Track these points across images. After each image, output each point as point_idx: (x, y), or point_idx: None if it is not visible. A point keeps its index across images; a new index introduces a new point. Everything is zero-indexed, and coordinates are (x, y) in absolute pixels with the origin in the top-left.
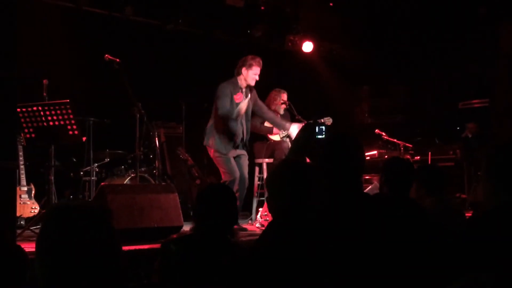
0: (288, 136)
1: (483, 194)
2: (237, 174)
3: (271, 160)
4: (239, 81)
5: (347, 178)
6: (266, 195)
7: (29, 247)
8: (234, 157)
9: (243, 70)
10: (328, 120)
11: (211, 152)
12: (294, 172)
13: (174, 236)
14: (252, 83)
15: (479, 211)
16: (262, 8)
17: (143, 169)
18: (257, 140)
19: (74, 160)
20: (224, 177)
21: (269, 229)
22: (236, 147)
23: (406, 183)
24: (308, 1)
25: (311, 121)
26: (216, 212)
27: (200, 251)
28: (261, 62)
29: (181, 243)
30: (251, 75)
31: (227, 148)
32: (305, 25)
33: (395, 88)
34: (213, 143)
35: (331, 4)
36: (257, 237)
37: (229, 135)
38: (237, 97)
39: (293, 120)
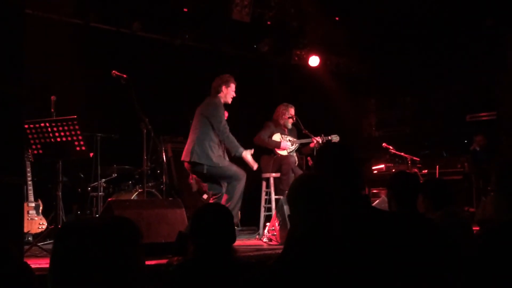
0: (296, 150)
1: (495, 208)
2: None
3: (278, 175)
4: (221, 99)
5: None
6: (274, 210)
7: (37, 263)
8: None
9: (223, 88)
10: (335, 138)
11: (204, 169)
12: (319, 185)
13: (175, 258)
14: (230, 101)
15: (489, 227)
16: (269, 23)
17: (150, 184)
18: (263, 154)
19: (82, 175)
20: (221, 191)
21: (294, 243)
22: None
23: (413, 196)
24: (314, 15)
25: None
26: (215, 232)
27: (202, 274)
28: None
29: (182, 267)
30: (230, 92)
31: (221, 160)
32: (311, 39)
33: (402, 101)
34: (207, 157)
35: (336, 18)
36: (265, 251)
37: (219, 149)
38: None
39: (300, 134)
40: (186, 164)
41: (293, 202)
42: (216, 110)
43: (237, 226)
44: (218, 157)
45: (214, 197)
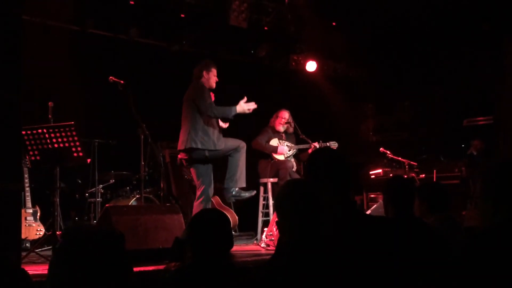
0: (294, 156)
1: (481, 213)
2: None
3: (275, 180)
4: (204, 84)
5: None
6: (272, 215)
7: (35, 270)
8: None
9: (204, 73)
10: (334, 145)
11: (205, 153)
12: (305, 191)
13: (173, 264)
14: (214, 85)
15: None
16: (266, 28)
17: (148, 190)
18: (261, 159)
19: (79, 181)
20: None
21: (283, 250)
22: None
23: (409, 201)
24: (311, 20)
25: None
26: (214, 238)
27: (200, 279)
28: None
29: (179, 273)
30: (212, 76)
31: (219, 142)
32: (309, 45)
33: (399, 106)
34: (206, 142)
35: (333, 23)
36: (263, 257)
37: (214, 130)
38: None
39: (299, 140)
40: (182, 155)
41: (279, 208)
42: (200, 91)
43: (235, 231)
44: (215, 139)
45: (199, 191)
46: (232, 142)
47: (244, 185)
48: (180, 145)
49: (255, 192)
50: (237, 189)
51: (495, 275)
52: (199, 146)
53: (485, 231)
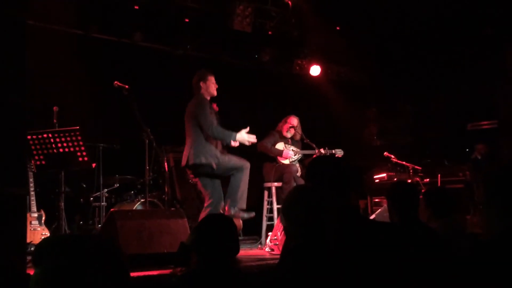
0: (299, 161)
1: (484, 219)
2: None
3: (280, 184)
4: (204, 95)
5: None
6: (276, 219)
7: None
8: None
9: (202, 84)
10: (340, 152)
11: (209, 168)
12: (312, 198)
13: (178, 269)
14: (215, 93)
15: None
16: (270, 32)
17: (152, 194)
18: (266, 162)
19: (84, 186)
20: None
21: (289, 255)
22: None
23: (413, 206)
24: (315, 25)
25: None
26: (220, 243)
27: (205, 284)
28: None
29: (185, 278)
30: (210, 85)
31: (222, 156)
32: (312, 49)
33: (403, 110)
34: (208, 157)
35: (337, 28)
36: (267, 261)
37: (217, 145)
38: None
39: (304, 145)
40: (188, 170)
41: (287, 214)
42: (200, 108)
43: (239, 236)
44: (219, 154)
45: (207, 203)
46: (236, 160)
47: (244, 206)
48: (185, 162)
49: (253, 214)
50: (236, 209)
51: (499, 282)
52: (203, 161)
53: (489, 238)
